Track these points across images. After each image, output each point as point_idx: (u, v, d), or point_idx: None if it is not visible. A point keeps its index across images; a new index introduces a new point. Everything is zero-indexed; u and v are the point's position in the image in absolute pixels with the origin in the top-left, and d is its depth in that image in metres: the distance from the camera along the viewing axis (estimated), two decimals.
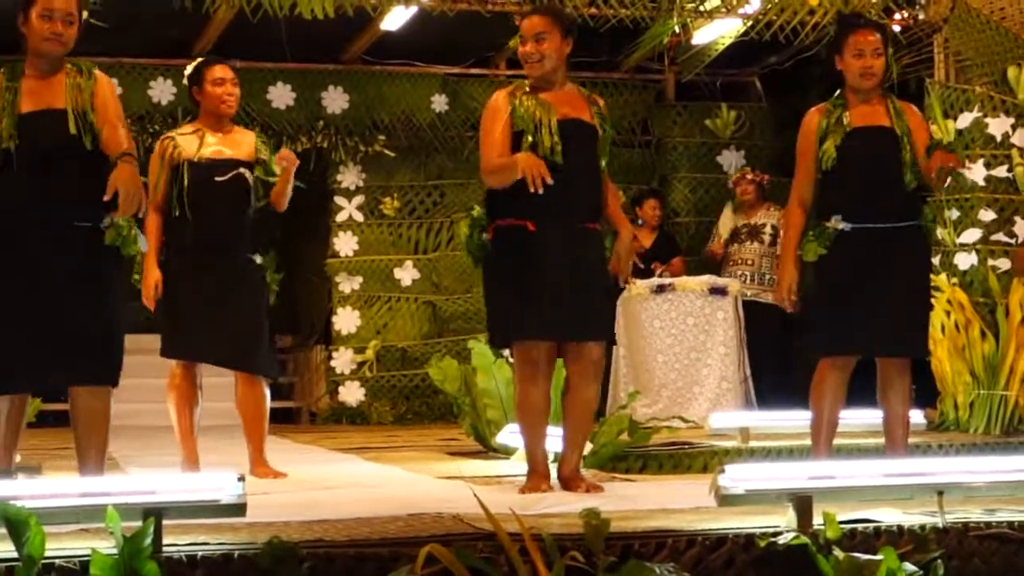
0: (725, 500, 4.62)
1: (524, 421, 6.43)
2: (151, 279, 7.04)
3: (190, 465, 7.18)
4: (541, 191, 6.01)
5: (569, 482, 6.26)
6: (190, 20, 10.89)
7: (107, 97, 5.67)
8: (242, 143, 7.28)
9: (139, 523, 4.11)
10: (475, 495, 4.80)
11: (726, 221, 11.71)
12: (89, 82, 5.64)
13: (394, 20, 11.49)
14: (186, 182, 7.09)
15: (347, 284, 13.01)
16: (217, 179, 7.12)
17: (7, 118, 5.54)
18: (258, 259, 7.25)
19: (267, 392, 7.33)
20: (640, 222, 11.61)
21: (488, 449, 8.59)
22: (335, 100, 12.88)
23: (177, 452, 7.35)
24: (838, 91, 6.53)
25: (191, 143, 7.19)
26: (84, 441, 5.67)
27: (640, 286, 10.50)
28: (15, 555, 4.00)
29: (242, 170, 7.18)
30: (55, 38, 5.57)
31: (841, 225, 6.35)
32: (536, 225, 6.20)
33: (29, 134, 5.53)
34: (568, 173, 6.20)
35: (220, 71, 7.26)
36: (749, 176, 11.86)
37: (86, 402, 5.63)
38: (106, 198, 5.37)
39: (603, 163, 6.41)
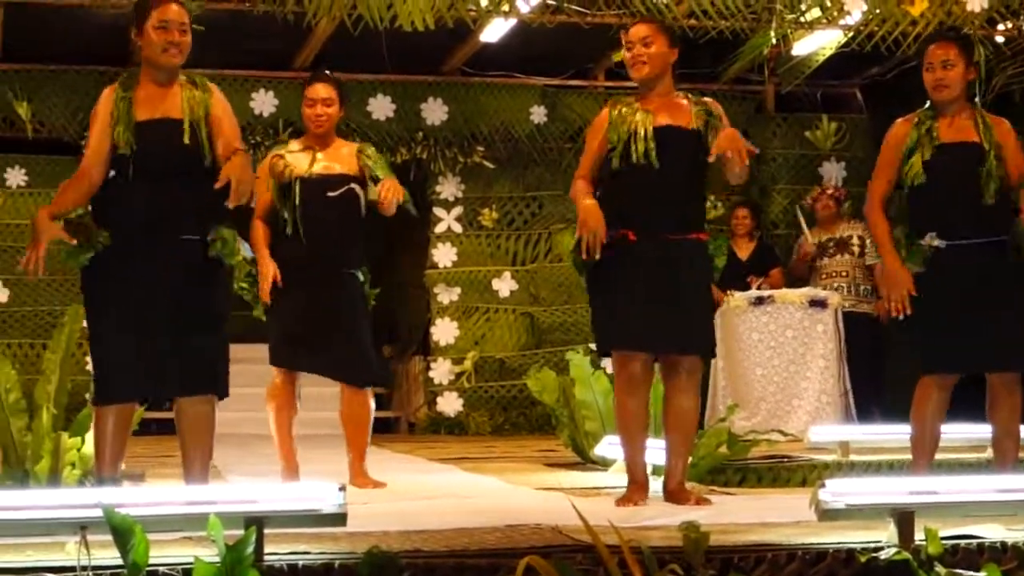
0: (825, 515, 4.58)
1: (622, 432, 6.43)
2: (268, 271, 7.09)
3: (289, 474, 7.24)
4: (596, 257, 6.13)
5: (675, 495, 6.24)
6: (292, 32, 10.99)
7: (222, 110, 5.76)
8: (347, 157, 7.33)
9: (241, 532, 4.15)
10: (574, 507, 4.79)
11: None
12: (205, 95, 5.72)
13: (494, 32, 11.52)
14: (298, 199, 7.16)
15: (445, 295, 13.05)
16: (329, 195, 7.18)
17: (124, 126, 5.63)
18: (359, 273, 7.30)
19: (372, 403, 7.38)
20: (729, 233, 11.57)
21: (586, 461, 8.58)
22: (434, 111, 12.94)
23: (276, 461, 7.40)
24: (928, 103, 6.46)
25: (301, 160, 7.26)
26: (190, 450, 5.73)
27: (739, 298, 10.46)
28: (120, 562, 4.05)
29: (353, 185, 7.24)
30: (172, 47, 5.66)
31: (936, 242, 6.26)
32: (635, 234, 6.21)
33: (145, 142, 5.61)
34: (665, 182, 6.21)
35: (312, 91, 7.32)
36: (830, 191, 11.79)
37: (192, 411, 5.70)
38: (217, 186, 5.44)
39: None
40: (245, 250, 5.80)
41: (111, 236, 5.61)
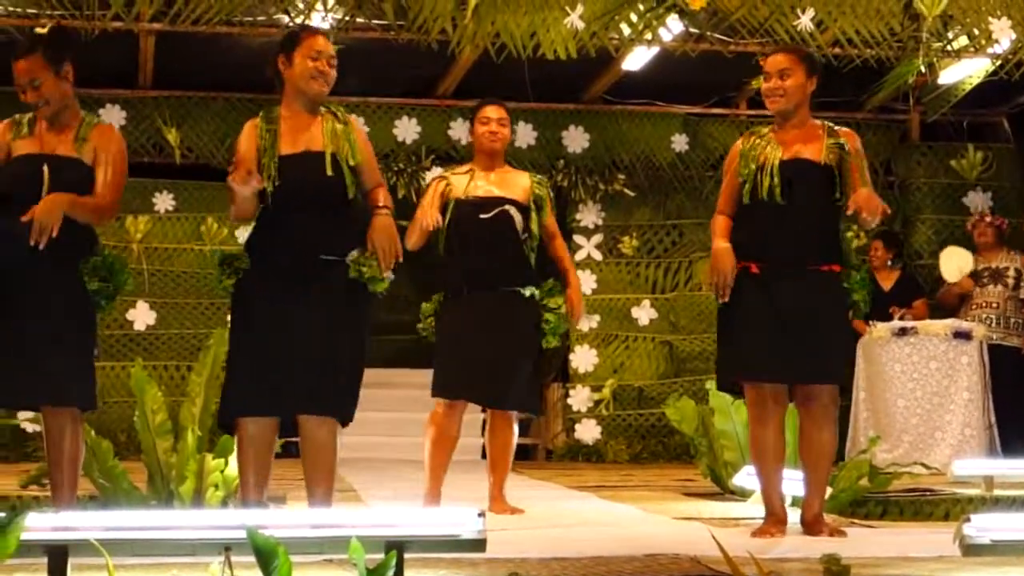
0: (970, 550, 4.50)
1: (757, 463, 6.40)
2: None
3: (432, 500, 7.24)
4: (725, 299, 6.19)
5: (812, 527, 6.19)
6: (436, 60, 11.10)
7: (363, 143, 5.85)
8: (515, 184, 7.39)
9: (381, 555, 4.18)
10: (713, 536, 4.77)
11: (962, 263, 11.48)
12: (346, 128, 5.81)
13: (635, 60, 11.54)
14: (452, 220, 7.23)
15: (585, 323, 13.05)
16: (482, 216, 7.23)
17: (269, 159, 5.74)
18: (527, 292, 7.33)
19: (516, 429, 7.40)
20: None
21: (725, 491, 8.52)
22: (576, 139, 12.98)
23: (412, 485, 7.41)
24: None
25: (461, 182, 7.33)
26: (311, 473, 5.73)
27: (881, 329, 10.35)
28: None
29: (507, 207, 7.27)
30: (320, 76, 5.77)
31: None
32: (761, 267, 6.19)
33: (288, 175, 5.72)
34: (792, 216, 6.19)
35: (487, 111, 7.41)
36: (988, 219, 11.63)
37: (313, 433, 5.69)
38: (367, 255, 5.56)
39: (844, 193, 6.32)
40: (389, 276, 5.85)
41: (255, 262, 5.72)
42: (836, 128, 6.47)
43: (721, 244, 6.27)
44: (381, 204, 5.77)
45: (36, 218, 5.62)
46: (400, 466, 10.79)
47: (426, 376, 7.46)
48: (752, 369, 6.26)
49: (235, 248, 5.79)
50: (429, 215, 7.09)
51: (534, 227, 7.34)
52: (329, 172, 5.70)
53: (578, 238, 13.09)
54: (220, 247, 12.09)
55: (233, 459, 6.66)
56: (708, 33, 10.31)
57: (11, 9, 9.59)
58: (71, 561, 4.29)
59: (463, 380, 7.23)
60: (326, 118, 5.82)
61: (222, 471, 6.80)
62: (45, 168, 5.84)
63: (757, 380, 6.25)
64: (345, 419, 5.73)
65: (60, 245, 5.70)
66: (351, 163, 5.74)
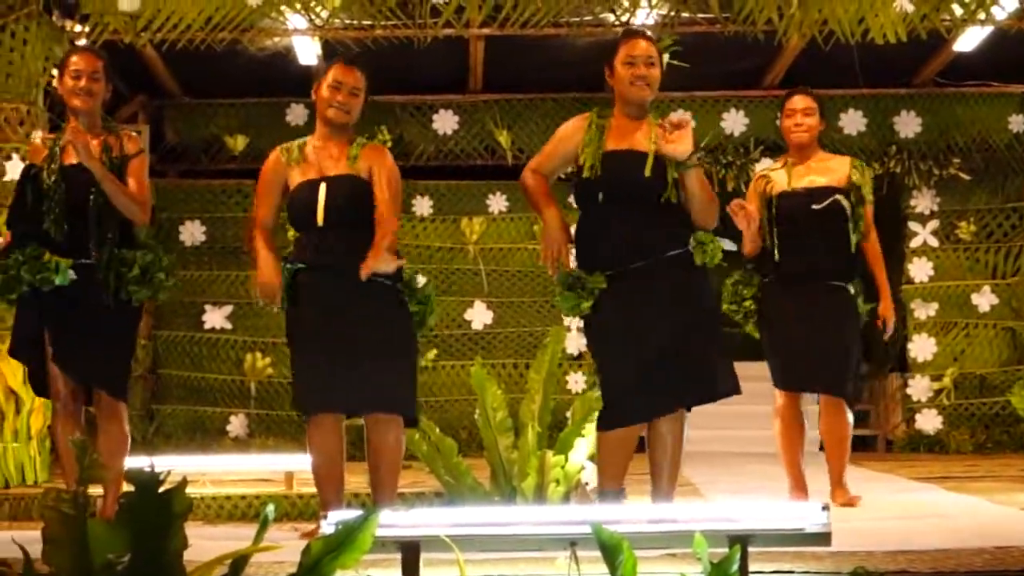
0: None
1: None
2: None
3: (798, 492, 7.22)
4: None
5: None
6: (762, 51, 11.03)
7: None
8: (837, 169, 7.31)
9: (725, 549, 4.19)
10: None
11: None
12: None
13: (968, 40, 11.23)
14: (778, 213, 7.20)
15: (922, 310, 12.78)
16: (814, 207, 7.18)
17: (592, 151, 5.85)
18: (851, 288, 7.26)
19: (850, 418, 7.32)
20: None
21: None
22: (908, 124, 12.72)
23: (752, 479, 7.41)
24: None
25: (782, 176, 7.29)
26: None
27: None
28: None
29: (838, 196, 7.21)
30: (639, 80, 5.89)
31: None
32: None
33: (610, 170, 5.82)
34: None
35: (792, 102, 7.34)
36: None
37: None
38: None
39: None
40: (725, 244, 5.89)
41: (586, 263, 5.87)
42: None
43: None
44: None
45: (371, 268, 5.89)
46: (740, 459, 10.76)
47: (760, 369, 7.44)
48: None
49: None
50: (750, 213, 7.06)
51: (859, 214, 7.24)
52: (648, 173, 5.75)
53: (913, 225, 12.82)
54: None
55: (573, 454, 6.77)
56: None
57: (347, 22, 9.89)
58: (423, 556, 4.42)
59: (800, 370, 7.19)
60: (653, 125, 5.86)
61: (563, 466, 6.89)
62: (322, 187, 6.10)
63: None
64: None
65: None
66: (673, 174, 5.78)
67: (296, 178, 6.17)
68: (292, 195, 6.13)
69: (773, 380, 7.30)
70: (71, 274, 6.22)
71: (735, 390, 5.89)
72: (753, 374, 8.17)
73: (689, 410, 5.90)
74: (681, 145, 5.66)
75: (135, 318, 6.59)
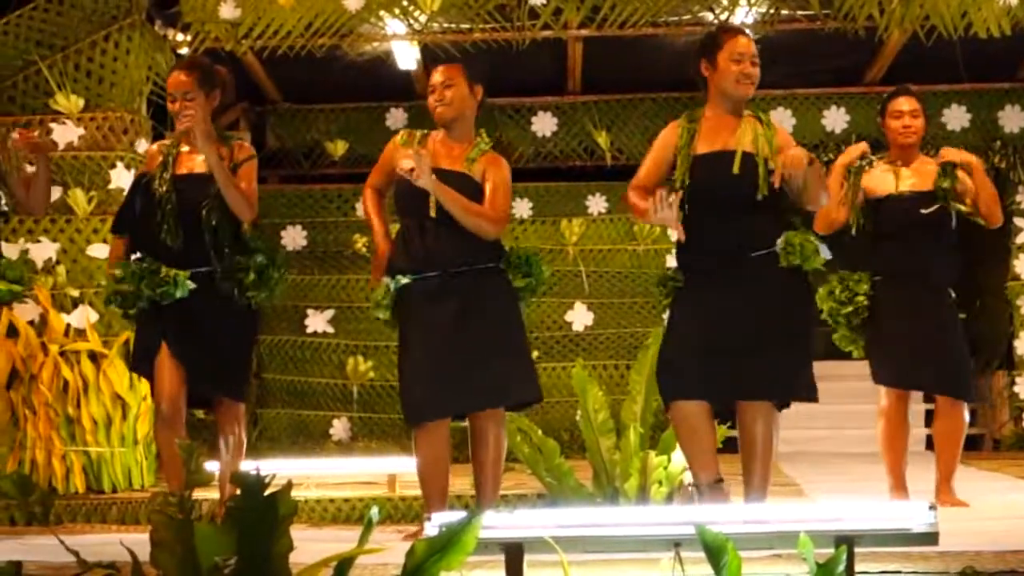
0: None
1: None
2: None
3: (898, 493, 7.16)
4: None
5: None
6: (863, 47, 10.93)
7: (786, 147, 5.82)
8: (930, 173, 7.22)
9: (830, 550, 4.15)
10: None
11: None
12: (769, 132, 5.81)
13: None
14: (884, 216, 7.13)
15: None
16: (923, 212, 7.09)
17: (683, 158, 5.83)
18: (953, 294, 7.20)
19: (966, 418, 7.25)
20: None
21: None
22: (1012, 119, 12.58)
23: (856, 479, 7.34)
24: None
25: (889, 179, 7.20)
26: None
27: None
28: None
29: (946, 204, 7.12)
30: (745, 79, 5.84)
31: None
32: None
33: (700, 174, 5.79)
34: None
35: (898, 103, 7.25)
36: None
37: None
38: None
39: None
40: (823, 252, 5.83)
41: (687, 265, 5.89)
42: None
43: None
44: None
45: (429, 176, 6.00)
46: (842, 459, 10.68)
47: (859, 368, 7.38)
48: None
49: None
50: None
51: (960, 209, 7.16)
52: (736, 171, 5.72)
53: (1019, 221, 12.65)
54: (653, 246, 12.25)
55: (675, 455, 6.75)
56: None
57: (446, 26, 9.93)
58: (526, 558, 4.42)
59: (916, 370, 7.13)
60: (750, 120, 5.83)
61: (665, 467, 6.87)
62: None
63: None
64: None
65: (481, 250, 6.08)
66: (770, 166, 5.73)
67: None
68: (403, 181, 6.14)
69: (879, 379, 7.23)
70: (189, 284, 6.31)
71: (810, 397, 5.85)
72: (854, 373, 8.13)
73: (780, 411, 5.86)
74: (797, 168, 5.61)
75: (253, 322, 6.68)
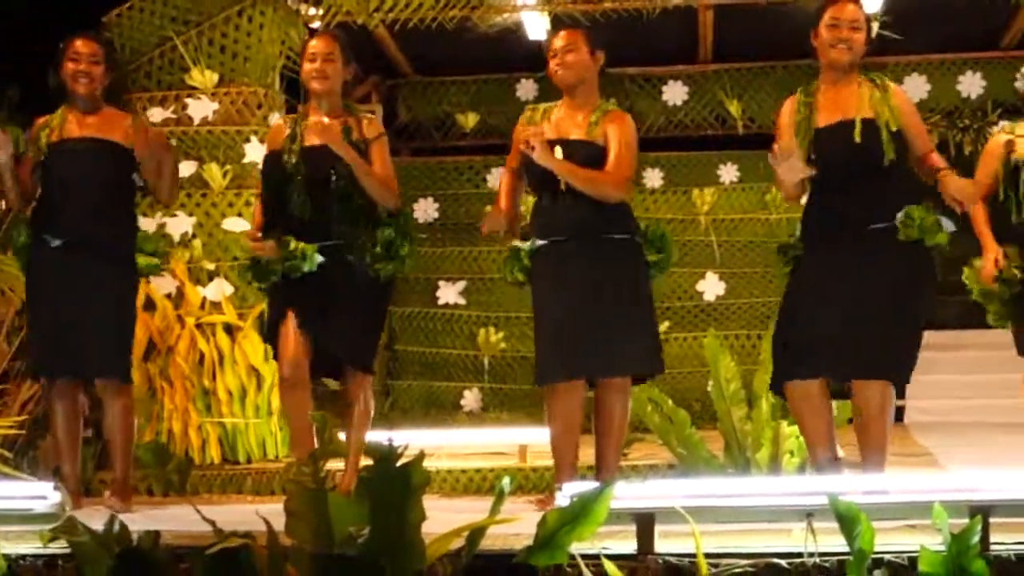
0: None
1: None
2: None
3: None
4: None
5: None
6: (999, 11, 10.75)
7: (904, 107, 5.77)
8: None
9: (965, 520, 4.12)
10: None
11: None
12: (885, 95, 5.74)
13: None
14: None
15: None
16: None
17: (803, 135, 5.78)
18: None
19: None
20: None
21: None
22: None
23: (992, 449, 7.25)
24: None
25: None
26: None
27: None
28: (846, 549, 4.12)
29: None
30: (841, 43, 5.79)
31: None
32: None
33: (825, 147, 5.73)
34: None
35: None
36: None
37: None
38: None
39: None
40: (947, 226, 5.75)
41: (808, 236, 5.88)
42: None
43: None
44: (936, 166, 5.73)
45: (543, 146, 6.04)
46: (977, 429, 10.54)
47: (997, 336, 7.28)
48: None
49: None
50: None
51: None
52: (857, 139, 5.66)
53: None
54: (786, 215, 12.14)
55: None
56: None
57: None
58: (657, 528, 4.43)
59: None
60: (864, 84, 5.78)
61: (797, 437, 6.83)
62: (558, 151, 6.14)
63: None
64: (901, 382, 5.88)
65: (614, 220, 6.14)
66: (892, 128, 5.67)
67: None
68: (531, 158, 6.15)
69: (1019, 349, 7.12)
70: (318, 258, 6.37)
71: (901, 379, 5.80)
72: (995, 341, 8.00)
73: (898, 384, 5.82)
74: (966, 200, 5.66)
75: (384, 293, 6.70)
